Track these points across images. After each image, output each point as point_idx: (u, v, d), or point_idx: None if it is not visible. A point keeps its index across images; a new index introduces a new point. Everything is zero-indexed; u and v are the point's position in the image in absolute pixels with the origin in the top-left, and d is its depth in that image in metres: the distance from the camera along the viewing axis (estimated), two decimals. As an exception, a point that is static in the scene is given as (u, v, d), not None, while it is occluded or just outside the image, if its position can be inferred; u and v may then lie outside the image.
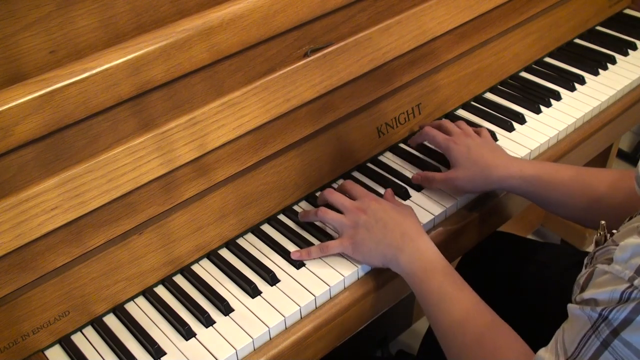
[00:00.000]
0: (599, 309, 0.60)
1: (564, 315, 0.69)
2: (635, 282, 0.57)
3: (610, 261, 0.61)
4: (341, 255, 0.93)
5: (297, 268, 0.92)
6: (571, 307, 0.65)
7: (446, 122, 1.08)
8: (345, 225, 0.92)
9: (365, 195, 0.95)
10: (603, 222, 0.78)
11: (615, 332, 0.58)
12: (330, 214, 0.94)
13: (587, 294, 0.62)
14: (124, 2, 0.81)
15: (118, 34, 0.82)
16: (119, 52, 0.79)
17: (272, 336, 0.86)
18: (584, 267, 0.71)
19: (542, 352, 0.68)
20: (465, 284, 0.84)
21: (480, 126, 1.11)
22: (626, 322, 0.58)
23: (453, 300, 0.82)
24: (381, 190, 1.03)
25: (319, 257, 0.93)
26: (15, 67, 0.76)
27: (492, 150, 1.00)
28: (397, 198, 1.02)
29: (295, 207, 1.02)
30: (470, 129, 1.06)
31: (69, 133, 0.79)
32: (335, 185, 1.05)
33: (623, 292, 0.58)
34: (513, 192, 1.00)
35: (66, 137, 0.79)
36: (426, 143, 1.10)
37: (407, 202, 1.01)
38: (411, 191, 1.03)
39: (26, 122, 0.74)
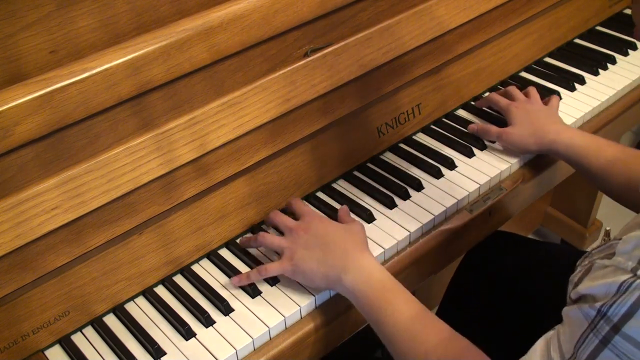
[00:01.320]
0: (597, 305, 0.58)
1: (562, 314, 0.69)
2: (639, 273, 0.56)
3: (611, 256, 0.60)
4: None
5: (297, 268, 0.92)
6: (566, 310, 0.63)
7: (513, 89, 1.17)
8: (285, 246, 0.88)
9: (308, 214, 0.92)
10: (608, 228, 0.78)
11: (616, 328, 0.56)
12: (269, 238, 0.90)
13: (583, 288, 0.61)
14: (124, 2, 0.81)
15: (118, 34, 0.82)
16: (119, 52, 0.79)
17: (272, 336, 0.86)
18: (577, 267, 0.70)
19: (527, 359, 0.65)
20: (413, 298, 0.81)
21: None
22: (627, 316, 0.55)
23: (425, 331, 0.78)
24: (380, 191, 1.03)
25: (258, 280, 0.90)
26: (15, 67, 0.76)
27: (548, 116, 1.09)
28: (394, 197, 1.02)
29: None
30: (537, 96, 1.15)
31: (69, 133, 0.79)
32: (337, 186, 1.05)
33: (622, 282, 0.56)
34: (558, 157, 1.07)
35: (66, 137, 0.79)
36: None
37: (407, 202, 1.01)
38: (411, 191, 1.03)
39: (26, 122, 0.74)
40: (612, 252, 0.61)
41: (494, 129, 1.11)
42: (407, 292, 0.82)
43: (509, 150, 1.11)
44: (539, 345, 0.66)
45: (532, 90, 1.17)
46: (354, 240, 0.87)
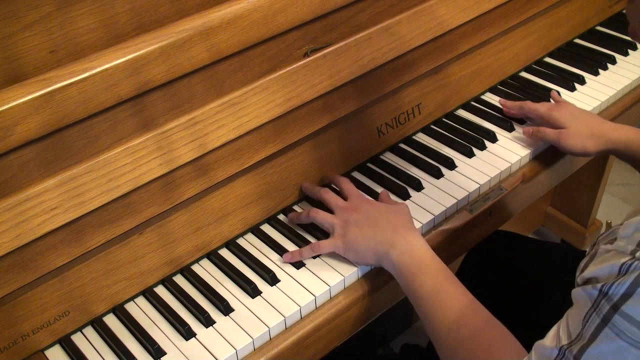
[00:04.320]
0: (599, 285, 0.60)
1: (564, 313, 0.69)
2: (637, 255, 0.57)
3: (614, 241, 0.62)
4: (341, 255, 0.93)
5: (297, 268, 0.92)
6: (573, 292, 0.65)
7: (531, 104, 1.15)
8: (337, 224, 0.92)
9: (357, 196, 0.96)
10: (609, 220, 0.79)
11: (616, 307, 0.58)
12: (321, 214, 0.94)
13: (588, 272, 0.63)
14: (124, 2, 0.81)
15: (118, 34, 0.82)
16: (119, 52, 0.79)
17: (272, 336, 0.86)
18: (586, 256, 0.71)
19: (541, 342, 0.67)
20: (458, 281, 0.84)
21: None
22: (626, 296, 0.57)
23: (447, 297, 0.82)
24: (381, 190, 1.03)
25: (312, 257, 0.93)
26: (15, 67, 0.76)
27: (593, 116, 1.09)
28: (394, 197, 1.02)
29: (296, 207, 1.02)
30: (563, 99, 1.16)
31: (69, 133, 0.79)
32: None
33: (622, 264, 0.58)
34: (616, 155, 1.07)
35: (66, 137, 0.79)
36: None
37: (407, 202, 1.01)
38: (411, 191, 1.03)
39: (26, 122, 0.74)
40: (614, 237, 0.63)
41: (550, 131, 1.08)
42: (446, 268, 0.85)
43: (508, 150, 1.11)
44: (552, 329, 0.67)
45: (554, 94, 1.18)
46: (401, 220, 0.91)
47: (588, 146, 1.05)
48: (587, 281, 0.63)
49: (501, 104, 1.18)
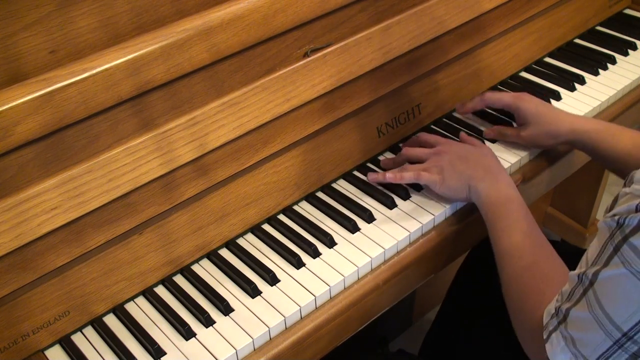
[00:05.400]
0: (617, 217, 0.65)
1: None
2: None
3: (631, 184, 0.68)
4: (341, 255, 0.93)
5: (297, 268, 0.92)
6: (598, 224, 0.70)
7: (497, 92, 1.17)
8: (432, 162, 0.99)
9: (444, 141, 1.04)
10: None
11: (625, 238, 0.64)
12: (418, 150, 1.02)
13: (610, 213, 0.67)
14: (124, 2, 0.81)
15: (118, 34, 0.82)
16: (119, 52, 0.79)
17: (272, 336, 0.86)
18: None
19: (570, 272, 0.74)
20: (534, 221, 0.91)
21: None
22: (636, 229, 0.63)
23: (519, 227, 0.89)
24: (381, 191, 1.03)
25: (404, 183, 1.01)
26: (15, 67, 0.76)
27: (554, 108, 1.11)
28: (396, 199, 1.02)
29: (295, 207, 1.02)
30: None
31: (69, 133, 0.79)
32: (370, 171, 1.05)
33: (638, 204, 0.63)
34: (576, 147, 1.08)
35: (66, 137, 0.79)
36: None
37: (407, 202, 1.01)
38: (411, 191, 1.03)
39: (26, 122, 0.74)
40: (632, 181, 0.69)
41: (509, 130, 1.11)
42: (526, 208, 0.92)
43: (508, 150, 1.11)
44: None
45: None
46: (491, 159, 0.99)
47: (545, 140, 1.08)
48: (610, 217, 0.68)
49: (459, 111, 1.19)
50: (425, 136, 1.07)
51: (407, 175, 1.00)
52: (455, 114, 1.20)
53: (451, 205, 1.00)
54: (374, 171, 1.07)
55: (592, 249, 0.70)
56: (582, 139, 1.04)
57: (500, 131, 1.12)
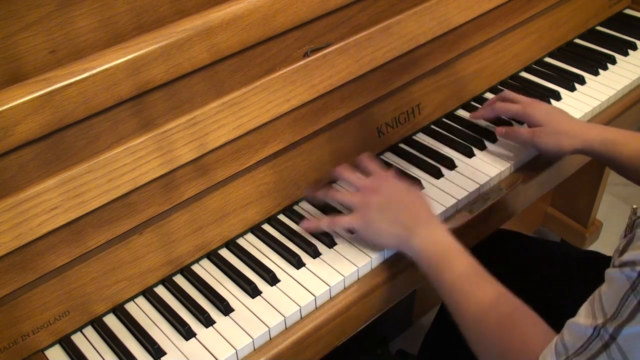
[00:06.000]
0: (637, 268, 0.61)
1: (566, 310, 0.69)
2: None
3: None
4: (341, 255, 0.93)
5: (297, 268, 0.92)
6: (609, 271, 0.66)
7: (509, 93, 1.13)
8: (358, 206, 0.93)
9: (378, 174, 0.96)
10: (635, 206, 0.79)
11: None
12: (341, 194, 0.96)
13: (626, 256, 0.64)
14: (124, 2, 0.81)
15: (118, 34, 0.82)
16: (119, 52, 0.79)
17: (272, 336, 0.86)
18: (622, 238, 0.72)
19: (574, 320, 0.68)
20: (483, 270, 0.84)
21: None
22: None
23: (472, 288, 0.82)
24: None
25: (327, 230, 0.95)
26: (15, 67, 0.76)
27: (567, 114, 1.07)
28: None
29: (295, 207, 1.02)
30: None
31: (69, 133, 0.79)
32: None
33: None
34: (591, 155, 1.04)
35: (66, 137, 0.79)
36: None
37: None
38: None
39: (26, 122, 0.74)
40: None
41: (524, 130, 1.07)
42: (470, 257, 0.85)
43: (508, 150, 1.11)
44: (584, 308, 0.69)
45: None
46: (422, 204, 0.92)
47: (563, 145, 1.03)
48: (625, 264, 0.64)
49: (471, 118, 1.17)
50: (363, 161, 0.99)
51: (323, 224, 0.94)
52: (456, 114, 1.20)
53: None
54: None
55: (608, 300, 0.65)
56: (601, 146, 1.01)
57: (513, 130, 1.09)
